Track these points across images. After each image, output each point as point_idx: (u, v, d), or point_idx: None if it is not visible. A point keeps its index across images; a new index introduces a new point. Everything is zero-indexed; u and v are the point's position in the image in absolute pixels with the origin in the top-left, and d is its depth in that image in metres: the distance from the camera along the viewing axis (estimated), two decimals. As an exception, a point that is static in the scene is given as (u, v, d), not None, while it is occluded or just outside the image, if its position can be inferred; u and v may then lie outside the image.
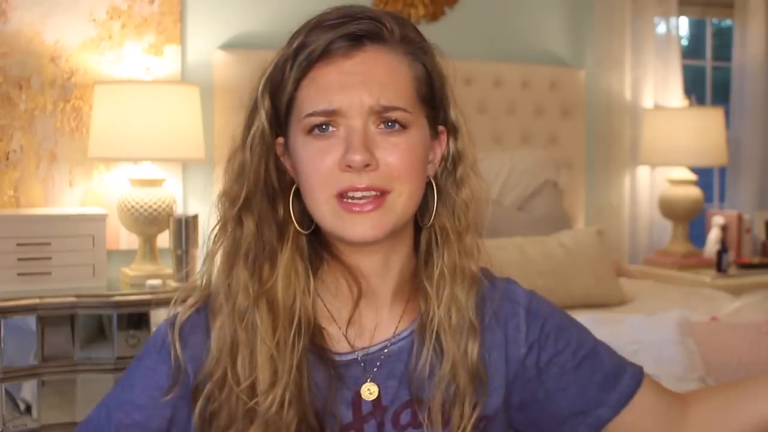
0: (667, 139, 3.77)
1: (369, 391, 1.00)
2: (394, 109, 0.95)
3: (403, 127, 0.96)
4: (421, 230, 1.04)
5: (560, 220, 3.51)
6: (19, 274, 2.62)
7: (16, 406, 2.59)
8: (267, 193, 0.99)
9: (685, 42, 4.82)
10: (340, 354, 1.01)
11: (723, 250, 3.71)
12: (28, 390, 2.60)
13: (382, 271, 1.02)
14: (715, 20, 4.57)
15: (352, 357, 1.01)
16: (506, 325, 1.05)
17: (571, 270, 3.07)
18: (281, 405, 0.95)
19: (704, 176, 4.19)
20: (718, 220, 3.97)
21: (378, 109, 0.94)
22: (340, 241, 0.98)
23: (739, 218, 3.96)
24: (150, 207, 2.80)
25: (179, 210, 2.99)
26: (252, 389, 0.95)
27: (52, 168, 2.94)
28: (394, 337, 1.03)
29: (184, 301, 1.02)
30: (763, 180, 4.27)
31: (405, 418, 1.01)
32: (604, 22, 3.87)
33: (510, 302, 1.07)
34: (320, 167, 0.95)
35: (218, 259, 1.01)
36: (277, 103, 0.98)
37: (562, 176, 3.70)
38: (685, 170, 3.86)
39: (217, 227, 1.01)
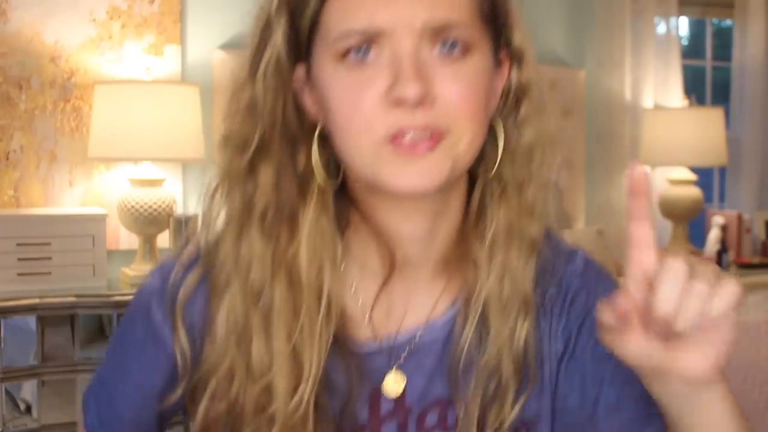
0: (667, 140, 3.77)
1: (394, 382, 0.83)
2: (455, 26, 0.73)
3: (466, 50, 0.74)
4: (474, 184, 0.84)
5: (560, 220, 3.51)
6: (19, 274, 2.62)
7: (16, 406, 2.59)
8: (286, 137, 0.78)
9: (685, 42, 4.82)
10: (360, 342, 0.83)
11: (723, 250, 3.71)
12: (28, 390, 2.60)
13: (425, 238, 0.81)
14: (715, 20, 4.57)
15: (375, 347, 0.83)
16: (551, 313, 0.86)
17: (571, 270, 3.07)
18: (307, 408, 0.77)
19: (704, 176, 4.19)
20: (718, 220, 3.97)
21: (434, 25, 0.72)
22: (384, 193, 0.76)
23: (739, 218, 3.96)
24: (150, 207, 2.80)
25: (179, 210, 2.99)
26: (269, 386, 0.77)
27: (52, 168, 2.94)
28: (427, 323, 0.84)
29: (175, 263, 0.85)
30: (763, 180, 4.27)
31: (431, 419, 0.83)
32: (604, 23, 3.87)
33: (558, 285, 0.87)
34: (360, 104, 0.73)
35: (220, 221, 0.82)
36: (297, 22, 0.77)
37: (562, 176, 3.70)
38: (685, 170, 3.86)
39: (220, 182, 0.81)
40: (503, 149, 0.82)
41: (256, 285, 0.78)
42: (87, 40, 2.96)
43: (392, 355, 0.83)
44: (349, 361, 0.81)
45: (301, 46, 0.78)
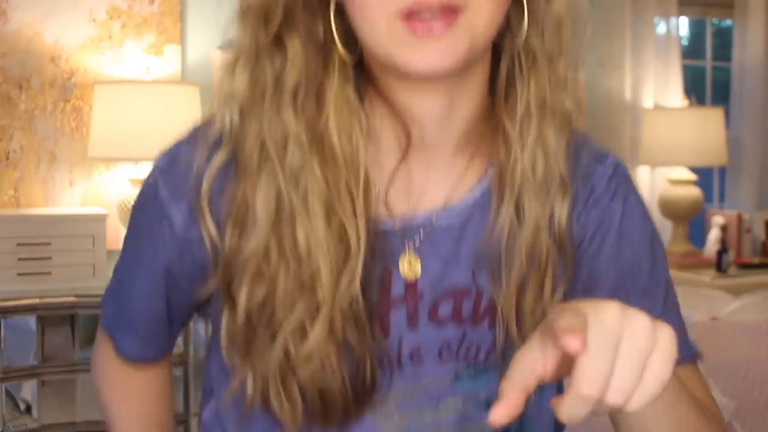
0: (667, 139, 3.77)
1: (409, 265, 0.78)
2: None
3: None
4: (499, 58, 0.78)
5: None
6: (19, 274, 2.62)
7: (16, 406, 2.59)
8: (306, 7, 0.74)
9: (685, 42, 4.82)
10: (375, 220, 0.77)
11: (723, 250, 3.71)
12: (28, 390, 2.60)
13: (443, 116, 0.76)
14: (715, 20, 4.57)
15: (390, 225, 0.78)
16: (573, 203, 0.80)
17: (571, 270, 3.06)
18: (356, 287, 0.73)
19: (704, 176, 4.19)
20: (718, 220, 3.97)
21: None
22: (398, 73, 0.72)
23: (739, 218, 3.96)
24: (150, 207, 2.80)
25: (179, 210, 2.99)
26: (314, 269, 0.73)
27: (52, 168, 2.94)
28: (446, 206, 0.79)
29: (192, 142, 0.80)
30: (763, 180, 4.27)
31: (444, 310, 0.78)
32: (604, 22, 3.87)
33: (584, 181, 0.82)
34: None
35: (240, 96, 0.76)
36: None
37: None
38: (685, 170, 3.86)
39: (242, 57, 0.75)
40: (532, 20, 0.76)
41: (294, 165, 0.73)
42: (87, 40, 2.96)
43: (407, 236, 0.78)
44: (370, 240, 0.75)
45: None
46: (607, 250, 0.81)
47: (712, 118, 3.78)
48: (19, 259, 2.62)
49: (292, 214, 0.73)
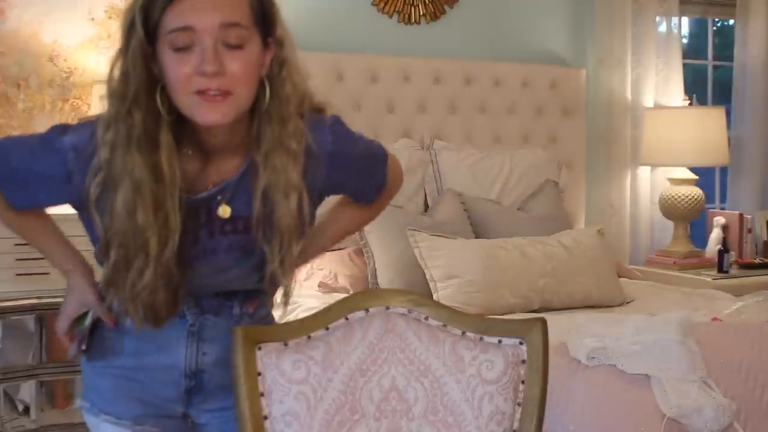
0: (668, 139, 3.76)
1: (224, 208, 1.38)
2: (239, 26, 1.29)
3: (244, 44, 1.29)
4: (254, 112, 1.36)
5: (560, 220, 3.50)
6: (18, 275, 2.61)
7: (15, 406, 2.58)
8: (146, 91, 1.29)
9: (686, 41, 4.81)
10: (200, 192, 1.40)
11: (724, 250, 3.71)
12: (26, 391, 2.59)
13: (224, 141, 1.37)
14: (716, 19, 4.56)
15: (206, 193, 1.39)
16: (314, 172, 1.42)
17: (573, 271, 3.06)
18: (174, 248, 1.33)
19: (705, 176, 4.18)
20: (719, 220, 3.97)
21: (227, 23, 1.28)
22: (199, 122, 1.31)
23: (741, 218, 3.95)
24: (149, 207, 2.80)
25: (178, 210, 2.99)
26: (147, 240, 1.31)
27: (51, 168, 2.93)
28: (231, 178, 1.40)
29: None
30: (764, 180, 4.26)
31: (230, 227, 1.40)
32: (605, 21, 3.86)
33: (313, 152, 1.40)
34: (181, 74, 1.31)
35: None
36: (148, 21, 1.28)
37: (562, 176, 3.69)
38: (685, 170, 3.85)
39: (106, 120, 1.31)
40: (273, 95, 1.35)
41: (139, 181, 1.29)
42: (85, 39, 2.95)
43: (221, 194, 1.39)
44: (197, 203, 1.37)
45: (150, 35, 1.29)
46: (338, 176, 1.46)
47: (713, 118, 3.78)
48: (17, 260, 2.60)
49: (134, 208, 1.30)
